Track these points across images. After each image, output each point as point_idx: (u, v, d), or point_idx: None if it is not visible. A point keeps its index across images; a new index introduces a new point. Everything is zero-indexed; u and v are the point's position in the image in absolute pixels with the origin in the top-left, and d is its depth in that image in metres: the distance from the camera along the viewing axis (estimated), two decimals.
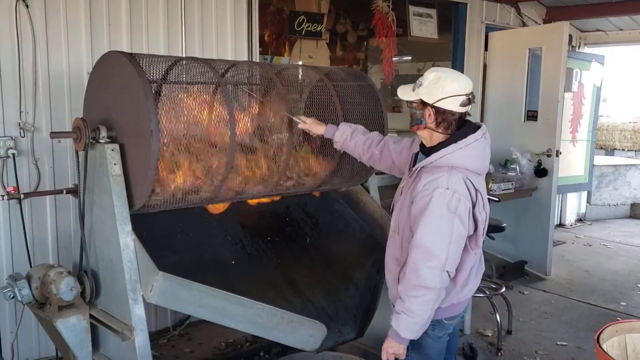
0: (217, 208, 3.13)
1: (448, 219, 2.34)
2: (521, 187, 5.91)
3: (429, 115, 2.45)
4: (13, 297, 2.74)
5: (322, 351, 3.11)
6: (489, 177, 5.41)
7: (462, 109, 2.43)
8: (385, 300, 3.48)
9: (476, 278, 2.66)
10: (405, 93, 2.53)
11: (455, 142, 2.41)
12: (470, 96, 2.43)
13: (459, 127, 2.47)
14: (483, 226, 2.46)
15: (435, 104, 2.42)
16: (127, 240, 2.53)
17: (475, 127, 2.49)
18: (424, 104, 2.45)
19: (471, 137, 2.42)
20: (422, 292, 2.36)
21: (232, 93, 2.78)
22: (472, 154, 2.42)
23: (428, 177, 2.40)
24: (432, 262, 2.34)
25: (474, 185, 2.40)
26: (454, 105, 2.41)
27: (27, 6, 3.60)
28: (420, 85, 2.46)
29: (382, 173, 6.21)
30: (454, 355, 2.97)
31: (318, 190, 3.37)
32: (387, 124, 3.28)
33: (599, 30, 8.06)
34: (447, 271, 2.36)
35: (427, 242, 2.35)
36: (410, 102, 2.52)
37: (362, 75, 3.48)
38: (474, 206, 2.41)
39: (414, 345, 2.61)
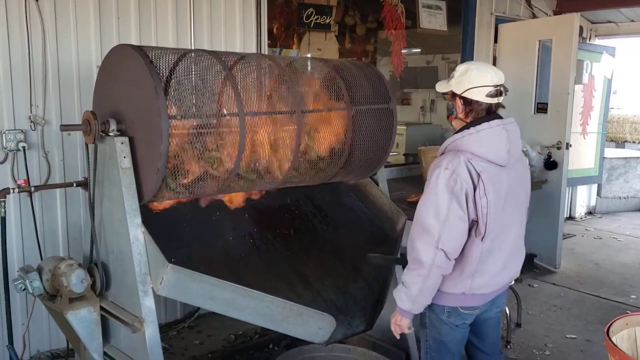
0: (226, 201, 3.14)
1: (444, 198, 2.42)
2: (531, 180, 5.87)
3: (458, 105, 2.58)
4: (24, 289, 2.77)
5: (331, 344, 3.12)
6: None
7: (490, 100, 2.54)
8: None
9: (500, 274, 2.63)
10: (441, 86, 2.69)
11: (468, 128, 2.51)
12: (499, 88, 2.53)
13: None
14: (485, 212, 2.46)
15: (462, 95, 2.54)
16: (136, 232, 2.54)
17: (494, 118, 2.56)
18: (454, 95, 2.59)
19: (484, 125, 2.50)
20: (416, 266, 2.46)
21: (241, 85, 2.77)
22: (481, 140, 2.48)
23: (436, 160, 2.54)
24: (425, 237, 2.44)
25: (475, 169, 2.44)
26: (480, 95, 2.52)
27: (36, 0, 3.61)
28: (452, 78, 2.60)
29: (391, 165, 6.20)
30: (496, 346, 2.93)
31: (327, 182, 3.37)
32: (396, 115, 3.28)
33: (610, 22, 7.99)
34: (443, 250, 2.41)
35: (422, 218, 2.47)
36: (445, 94, 2.66)
37: (369, 65, 3.47)
38: (474, 190, 2.44)
39: (432, 331, 2.69)
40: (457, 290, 2.56)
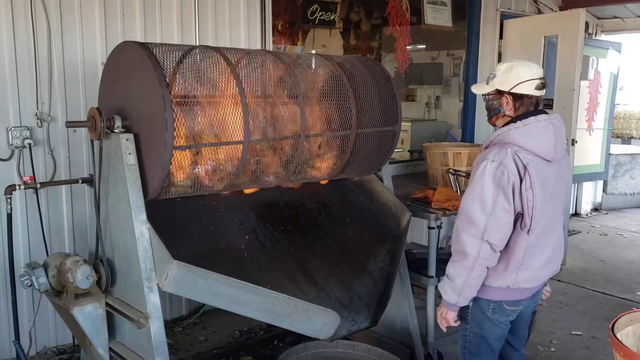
0: (231, 197, 3.14)
1: (490, 190, 2.43)
2: None
3: (507, 102, 2.59)
4: (30, 286, 2.78)
5: (336, 340, 3.12)
6: None
7: (538, 93, 2.57)
8: (398, 289, 3.49)
9: (544, 269, 2.63)
10: (480, 88, 2.69)
11: (515, 122, 2.53)
12: (543, 80, 2.57)
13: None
14: (531, 205, 2.47)
15: (511, 91, 2.56)
16: (142, 229, 2.55)
17: (540, 113, 2.58)
18: (500, 93, 2.59)
19: (531, 119, 2.52)
20: (461, 257, 2.47)
21: (245, 81, 2.77)
22: (528, 133, 2.50)
23: (482, 153, 2.54)
24: (471, 229, 2.44)
25: (522, 161, 2.45)
26: (529, 89, 2.55)
27: None
28: (493, 77, 2.62)
29: (396, 162, 6.19)
30: (524, 342, 2.94)
31: (332, 179, 3.37)
32: (400, 110, 3.27)
33: (616, 17, 7.96)
34: (489, 242, 2.43)
35: (467, 209, 2.47)
36: (486, 95, 2.65)
37: (375, 63, 3.46)
38: (521, 182, 2.45)
39: (473, 326, 2.68)
40: (502, 284, 2.56)
